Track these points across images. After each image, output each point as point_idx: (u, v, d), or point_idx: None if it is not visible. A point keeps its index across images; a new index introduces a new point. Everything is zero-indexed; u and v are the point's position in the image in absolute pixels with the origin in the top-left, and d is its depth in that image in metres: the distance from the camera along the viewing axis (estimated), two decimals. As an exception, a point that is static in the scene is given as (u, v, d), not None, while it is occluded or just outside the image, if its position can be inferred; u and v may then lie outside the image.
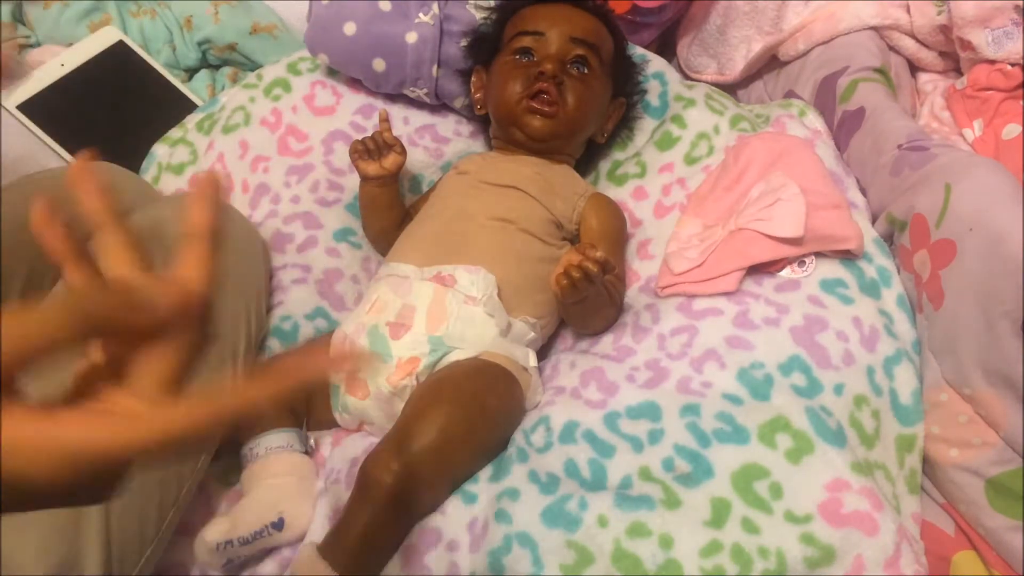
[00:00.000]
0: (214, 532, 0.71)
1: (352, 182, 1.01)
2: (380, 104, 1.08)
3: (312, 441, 0.85)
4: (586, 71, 0.93)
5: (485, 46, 1.01)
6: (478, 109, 1.01)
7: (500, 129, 0.97)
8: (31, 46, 1.24)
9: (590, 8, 0.98)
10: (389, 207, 0.96)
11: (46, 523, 0.61)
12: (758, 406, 0.72)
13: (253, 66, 1.21)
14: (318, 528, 0.74)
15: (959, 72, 1.04)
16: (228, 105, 1.09)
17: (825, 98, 1.00)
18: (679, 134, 0.98)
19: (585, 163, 1.02)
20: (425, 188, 1.05)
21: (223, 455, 0.80)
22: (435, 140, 1.09)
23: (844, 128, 0.95)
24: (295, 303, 0.91)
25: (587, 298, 0.79)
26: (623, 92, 1.01)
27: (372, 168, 0.93)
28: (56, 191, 0.60)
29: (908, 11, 1.05)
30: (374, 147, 0.93)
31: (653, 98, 1.05)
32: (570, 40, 0.93)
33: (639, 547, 0.64)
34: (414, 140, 1.08)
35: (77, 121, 1.11)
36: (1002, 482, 0.70)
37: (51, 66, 1.12)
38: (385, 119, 0.95)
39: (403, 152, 0.94)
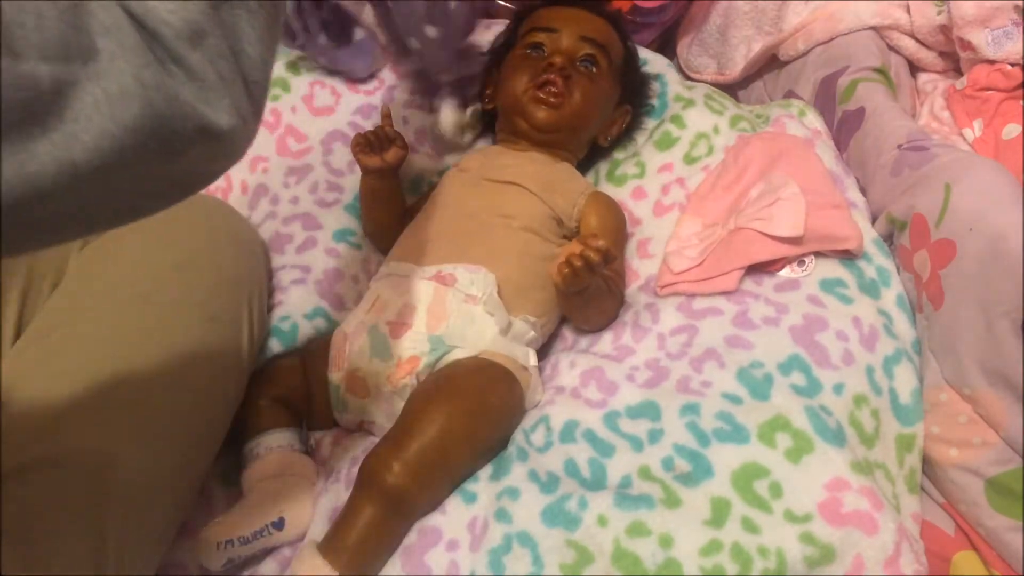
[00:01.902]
0: (215, 531, 0.71)
1: (351, 183, 1.02)
2: (379, 104, 1.08)
3: (312, 441, 0.85)
4: (594, 70, 0.95)
5: (501, 48, 1.04)
6: (486, 103, 1.03)
7: (506, 119, 0.98)
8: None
9: (602, 12, 1.00)
10: (389, 201, 0.97)
11: (53, 526, 0.60)
12: (758, 405, 0.72)
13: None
14: (318, 527, 0.74)
15: (959, 72, 1.04)
16: (228, 105, 1.09)
17: (825, 98, 1.00)
18: (678, 134, 0.98)
19: (585, 164, 1.03)
20: (424, 189, 1.05)
21: (223, 455, 0.80)
22: (435, 144, 1.09)
23: (844, 128, 0.95)
24: (294, 303, 0.91)
25: (587, 289, 0.80)
26: (630, 100, 1.02)
27: (373, 161, 0.93)
28: None
29: (908, 11, 1.05)
30: (376, 141, 0.94)
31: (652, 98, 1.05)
32: (581, 39, 0.95)
33: (639, 546, 0.64)
34: (413, 145, 1.08)
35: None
36: (1002, 482, 0.70)
37: (51, 66, 1.12)
38: (387, 115, 0.96)
39: (404, 147, 0.95)
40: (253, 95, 0.46)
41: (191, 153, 0.43)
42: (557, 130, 0.93)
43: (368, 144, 0.93)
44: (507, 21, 1.07)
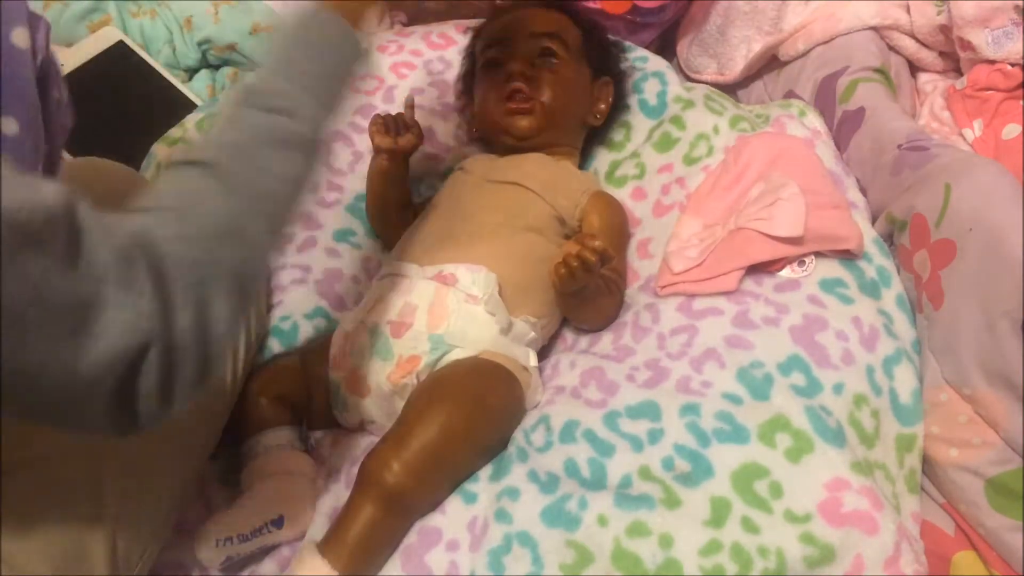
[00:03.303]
0: (213, 529, 0.71)
1: (352, 183, 1.02)
2: (380, 106, 1.08)
3: (312, 440, 0.85)
4: (555, 61, 0.95)
5: (468, 75, 1.04)
6: (475, 133, 1.05)
7: (492, 138, 0.99)
8: (31, 46, 1.24)
9: (544, 2, 1.01)
10: (396, 184, 0.98)
11: (51, 523, 0.61)
12: (758, 405, 0.72)
13: (253, 66, 1.21)
14: (318, 526, 0.74)
15: (959, 72, 1.05)
16: (228, 105, 1.09)
17: (825, 98, 1.00)
18: (678, 135, 0.98)
19: (586, 150, 1.03)
20: (424, 192, 1.05)
21: (223, 455, 0.80)
22: (434, 147, 1.09)
23: (844, 128, 0.95)
24: (294, 303, 0.91)
25: (585, 289, 0.80)
26: (605, 71, 1.01)
27: (386, 142, 0.95)
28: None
29: (908, 11, 1.05)
30: (393, 125, 0.95)
31: (652, 98, 1.05)
32: (531, 37, 0.96)
33: (639, 546, 0.64)
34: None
35: (77, 121, 1.10)
36: (1002, 482, 0.70)
37: (51, 66, 1.12)
38: (411, 105, 0.97)
39: (420, 137, 0.96)
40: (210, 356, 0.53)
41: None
42: (540, 132, 0.94)
43: (385, 126, 0.95)
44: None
